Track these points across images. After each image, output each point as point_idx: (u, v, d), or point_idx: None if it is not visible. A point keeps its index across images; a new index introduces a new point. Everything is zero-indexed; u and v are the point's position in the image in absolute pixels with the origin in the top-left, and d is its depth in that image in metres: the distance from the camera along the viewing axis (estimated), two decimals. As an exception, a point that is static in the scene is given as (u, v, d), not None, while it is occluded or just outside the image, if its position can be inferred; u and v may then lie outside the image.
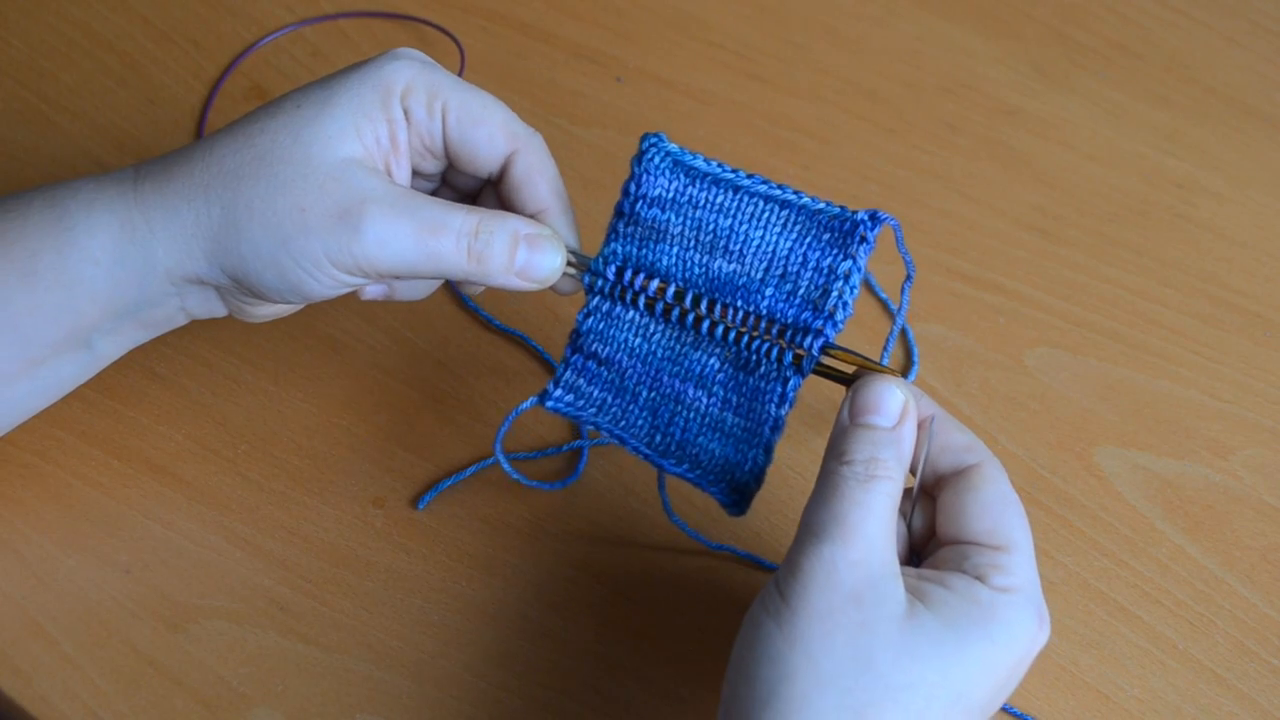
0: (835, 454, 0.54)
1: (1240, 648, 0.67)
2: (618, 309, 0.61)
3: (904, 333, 0.76)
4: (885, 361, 0.73)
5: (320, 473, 0.71)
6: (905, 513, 0.56)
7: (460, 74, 0.85)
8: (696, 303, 0.59)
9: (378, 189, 0.58)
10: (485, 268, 0.59)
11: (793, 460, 0.71)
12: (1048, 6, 0.92)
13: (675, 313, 0.60)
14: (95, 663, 0.64)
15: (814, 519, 0.52)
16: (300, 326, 0.75)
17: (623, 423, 0.61)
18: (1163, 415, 0.75)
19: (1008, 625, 0.51)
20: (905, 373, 0.75)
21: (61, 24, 0.87)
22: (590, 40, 0.88)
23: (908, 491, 0.56)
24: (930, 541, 0.56)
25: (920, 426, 0.55)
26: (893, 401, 0.54)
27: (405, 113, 0.60)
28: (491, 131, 0.61)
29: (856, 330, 0.75)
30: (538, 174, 0.62)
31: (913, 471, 0.56)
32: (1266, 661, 0.67)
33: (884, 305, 0.78)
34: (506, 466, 0.65)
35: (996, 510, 0.53)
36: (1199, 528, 0.71)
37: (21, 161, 0.81)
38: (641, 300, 0.60)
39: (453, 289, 0.77)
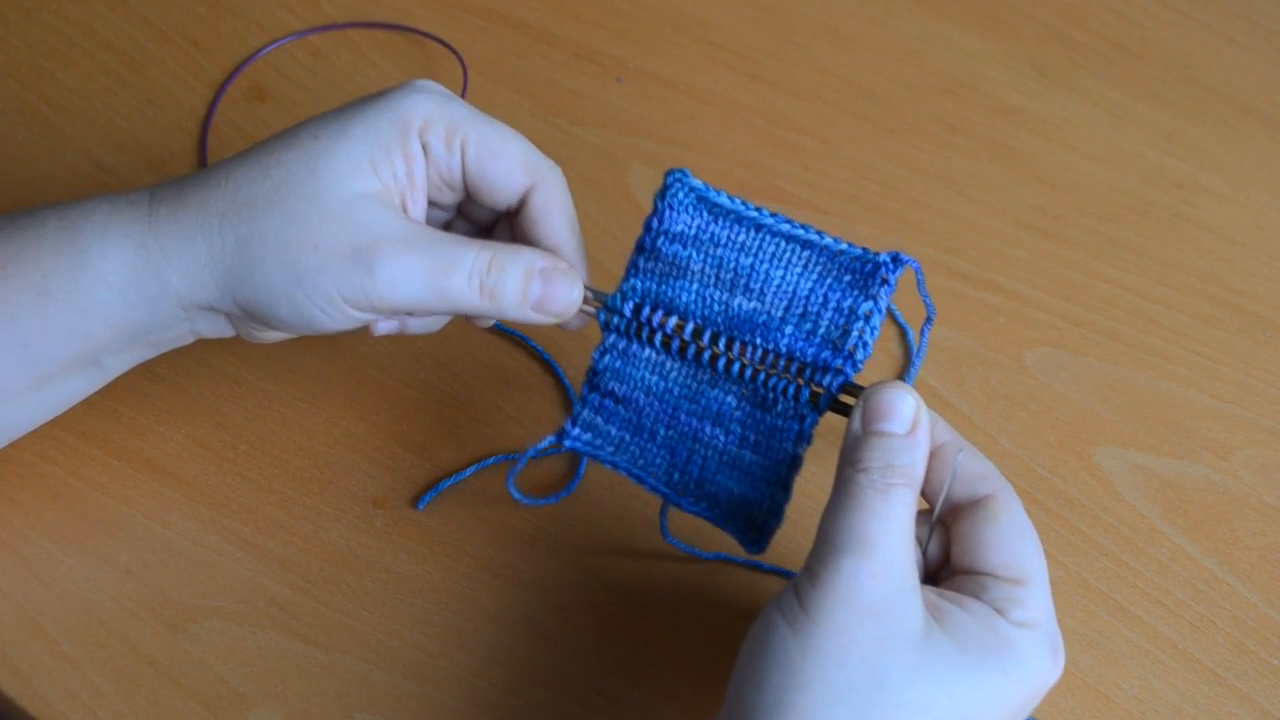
0: (850, 461, 0.53)
1: (1240, 648, 0.67)
2: (634, 347, 0.61)
3: (904, 333, 0.76)
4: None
5: (320, 473, 0.71)
6: (922, 540, 0.55)
7: (464, 87, 0.85)
8: (715, 340, 0.59)
9: (390, 228, 0.57)
10: (498, 304, 0.59)
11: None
12: (1048, 6, 0.92)
13: (692, 350, 0.59)
14: (95, 663, 0.64)
15: (833, 530, 0.51)
16: (300, 326, 0.75)
17: (641, 461, 0.61)
18: (1163, 415, 0.75)
19: (1023, 659, 0.51)
20: (906, 373, 0.75)
21: (61, 24, 0.87)
22: (590, 40, 0.88)
23: (925, 516, 0.56)
24: (944, 568, 0.56)
25: (936, 455, 0.54)
26: (905, 408, 0.53)
27: (424, 147, 0.59)
28: (510, 165, 0.61)
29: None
30: (554, 209, 0.61)
31: (928, 497, 0.55)
32: (1266, 661, 0.67)
33: (891, 314, 0.77)
34: (516, 494, 0.64)
35: (1014, 543, 0.53)
36: (1199, 528, 0.71)
37: (21, 161, 0.81)
38: (659, 338, 0.60)
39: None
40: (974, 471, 0.55)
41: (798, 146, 0.85)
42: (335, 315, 0.58)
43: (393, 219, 0.58)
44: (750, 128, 0.85)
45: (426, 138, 0.59)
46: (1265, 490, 0.72)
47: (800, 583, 0.51)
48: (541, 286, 0.60)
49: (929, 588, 0.53)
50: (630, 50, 0.88)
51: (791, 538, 0.69)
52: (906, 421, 0.53)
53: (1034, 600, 0.52)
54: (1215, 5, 0.92)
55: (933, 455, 0.54)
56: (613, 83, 0.87)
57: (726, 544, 0.68)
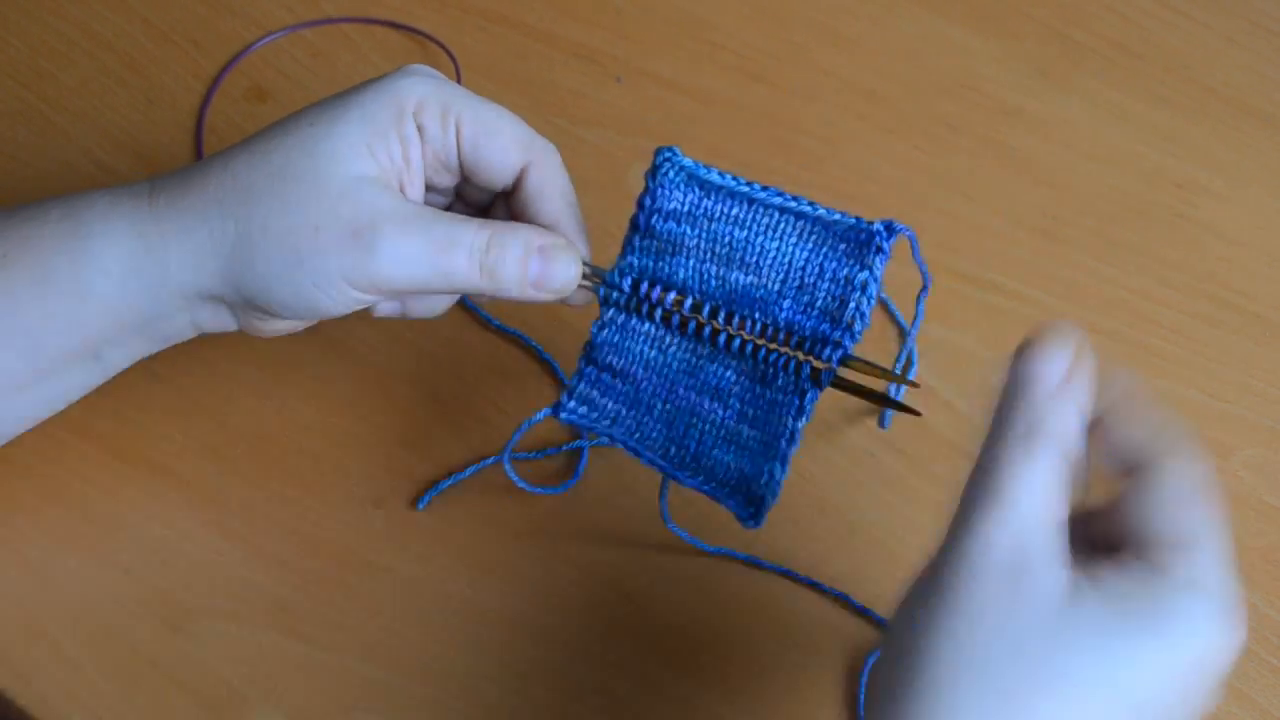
0: (997, 412, 0.49)
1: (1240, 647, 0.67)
2: (633, 321, 0.61)
3: (904, 333, 0.76)
4: (910, 375, 0.74)
5: (320, 473, 0.71)
6: (1080, 504, 0.50)
7: (459, 83, 0.85)
8: (714, 315, 0.59)
9: (390, 207, 0.58)
10: (498, 282, 0.59)
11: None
12: (1048, 6, 0.92)
13: (691, 325, 0.60)
14: (95, 663, 0.64)
15: (970, 487, 0.48)
16: (300, 326, 0.75)
17: (637, 435, 0.61)
18: (1163, 415, 0.75)
19: (1183, 621, 0.46)
20: (905, 373, 0.75)
21: (61, 24, 0.87)
22: (590, 40, 0.88)
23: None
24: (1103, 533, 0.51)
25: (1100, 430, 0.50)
26: (1061, 356, 0.49)
27: (419, 129, 0.60)
28: (505, 144, 0.61)
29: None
30: (551, 186, 0.62)
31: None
32: (1266, 661, 0.67)
33: (889, 312, 0.77)
34: (513, 476, 0.64)
35: (1176, 508, 0.48)
36: (1199, 528, 0.71)
37: (21, 161, 0.81)
38: (658, 313, 0.60)
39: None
40: (1131, 444, 0.50)
41: (798, 147, 0.85)
42: (337, 297, 0.58)
43: (392, 200, 0.58)
44: (750, 128, 0.85)
45: (421, 119, 0.60)
46: (1265, 490, 0.72)
47: (937, 547, 0.48)
48: (540, 264, 0.60)
49: (1080, 548, 0.48)
50: (630, 50, 0.88)
51: (792, 537, 0.69)
52: (1061, 372, 0.49)
53: (1201, 562, 0.47)
54: (1215, 5, 0.92)
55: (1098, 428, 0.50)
56: (613, 83, 0.87)
57: (729, 540, 0.68)
